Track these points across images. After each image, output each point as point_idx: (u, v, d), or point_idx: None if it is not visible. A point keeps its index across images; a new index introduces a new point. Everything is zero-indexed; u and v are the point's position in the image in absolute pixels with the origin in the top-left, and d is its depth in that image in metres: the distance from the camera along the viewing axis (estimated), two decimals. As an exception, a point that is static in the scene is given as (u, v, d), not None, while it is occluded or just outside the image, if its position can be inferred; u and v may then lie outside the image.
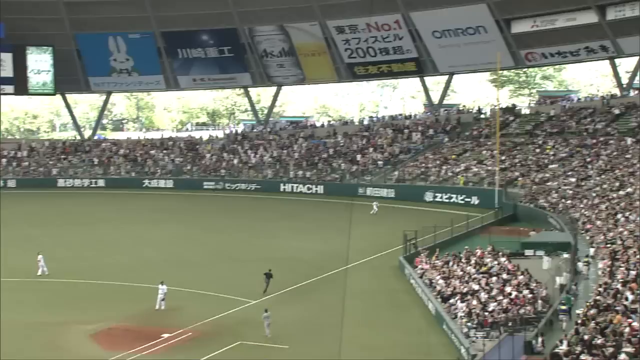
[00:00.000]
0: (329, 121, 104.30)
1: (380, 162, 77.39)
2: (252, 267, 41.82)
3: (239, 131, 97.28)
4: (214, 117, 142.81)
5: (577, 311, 26.23)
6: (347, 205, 62.33)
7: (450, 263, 37.75)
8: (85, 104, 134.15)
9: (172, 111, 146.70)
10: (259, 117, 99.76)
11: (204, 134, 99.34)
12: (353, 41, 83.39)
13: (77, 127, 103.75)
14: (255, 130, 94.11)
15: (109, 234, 54.28)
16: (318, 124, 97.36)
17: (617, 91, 78.95)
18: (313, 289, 38.15)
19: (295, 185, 77.38)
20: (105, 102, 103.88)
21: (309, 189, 76.44)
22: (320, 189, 75.83)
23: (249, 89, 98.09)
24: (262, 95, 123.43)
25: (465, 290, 32.48)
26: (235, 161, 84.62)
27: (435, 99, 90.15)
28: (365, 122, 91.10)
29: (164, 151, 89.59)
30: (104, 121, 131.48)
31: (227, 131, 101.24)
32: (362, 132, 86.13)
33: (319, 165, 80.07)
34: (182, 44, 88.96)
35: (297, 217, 62.12)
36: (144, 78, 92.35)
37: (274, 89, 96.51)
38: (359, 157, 79.62)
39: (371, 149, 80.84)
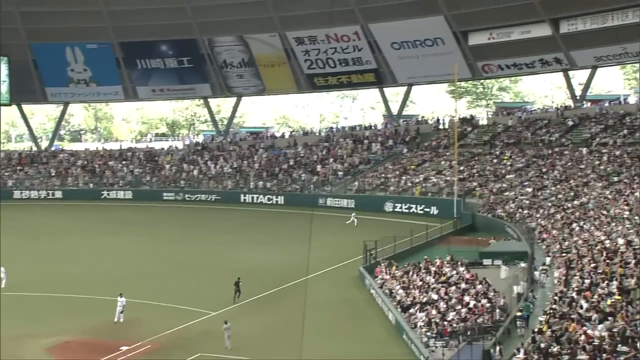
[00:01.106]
0: (290, 132, 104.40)
1: (340, 173, 77.65)
2: (213, 279, 41.66)
3: (199, 142, 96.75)
4: (173, 128, 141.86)
5: (540, 318, 26.58)
6: (308, 215, 62.33)
7: (410, 273, 38.00)
8: (42, 115, 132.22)
9: (131, 122, 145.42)
10: (218, 128, 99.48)
11: (164, 145, 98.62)
12: (313, 52, 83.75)
13: (34, 138, 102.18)
14: (215, 140, 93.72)
15: (67, 245, 53.45)
16: (278, 135, 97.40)
17: (571, 102, 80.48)
18: (274, 300, 38.07)
19: (255, 195, 77.20)
20: (63, 112, 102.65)
21: (269, 199, 76.33)
22: (281, 199, 75.77)
23: (208, 99, 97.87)
24: (222, 105, 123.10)
25: (424, 299, 32.72)
26: (195, 172, 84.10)
27: (395, 109, 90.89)
28: (325, 133, 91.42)
29: (123, 162, 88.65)
30: (62, 132, 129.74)
31: (187, 142, 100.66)
32: (322, 142, 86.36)
33: (279, 176, 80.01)
34: (141, 54, 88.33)
35: (257, 228, 61.90)
36: (102, 88, 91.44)
37: (233, 99, 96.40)
38: (319, 167, 79.80)
39: (331, 160, 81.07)
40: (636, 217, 37.82)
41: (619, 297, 24.23)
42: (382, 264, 40.79)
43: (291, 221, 64.20)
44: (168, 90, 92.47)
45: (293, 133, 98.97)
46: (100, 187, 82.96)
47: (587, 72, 77.78)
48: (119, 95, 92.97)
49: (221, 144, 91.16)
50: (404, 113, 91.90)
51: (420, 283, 35.59)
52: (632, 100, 76.98)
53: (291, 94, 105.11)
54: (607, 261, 30.31)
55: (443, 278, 35.80)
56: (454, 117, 76.71)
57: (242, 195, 77.71)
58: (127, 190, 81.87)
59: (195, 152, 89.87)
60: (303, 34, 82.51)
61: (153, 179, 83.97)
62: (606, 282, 26.87)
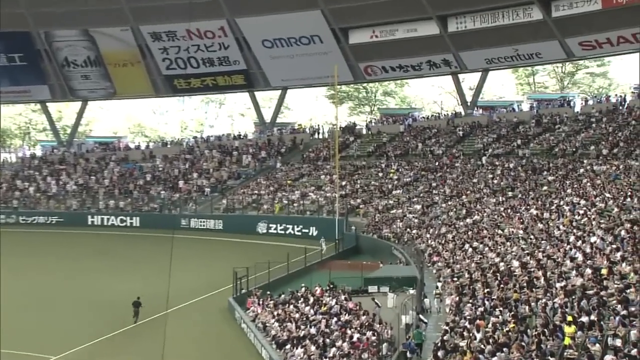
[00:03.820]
0: (146, 142, 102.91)
1: (206, 189, 77.36)
2: (56, 315, 40.55)
3: (36, 154, 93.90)
4: (3, 138, 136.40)
5: (430, 351, 27.28)
6: (168, 239, 61.59)
7: (286, 304, 38.32)
8: None
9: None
10: (60, 138, 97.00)
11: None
12: (172, 50, 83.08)
13: None
14: (56, 152, 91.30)
15: None
16: (132, 146, 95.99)
17: (461, 109, 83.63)
18: (131, 337, 37.52)
19: (105, 217, 76.04)
20: None
21: (122, 221, 75.26)
22: (136, 221, 74.93)
23: (47, 104, 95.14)
24: (64, 111, 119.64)
25: (302, 334, 33.05)
26: (32, 190, 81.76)
27: (268, 116, 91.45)
28: (188, 143, 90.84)
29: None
30: None
31: (21, 154, 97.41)
32: (184, 154, 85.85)
33: (134, 194, 78.91)
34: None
35: (109, 255, 60.82)
36: None
37: (78, 104, 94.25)
38: (181, 183, 79.23)
39: (195, 174, 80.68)
40: (531, 237, 39.69)
41: (514, 326, 25.35)
42: (255, 294, 40.93)
43: (149, 246, 63.46)
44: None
45: (150, 144, 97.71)
46: None
47: (478, 75, 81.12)
48: None
49: (63, 156, 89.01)
50: (278, 120, 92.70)
51: (298, 315, 35.93)
52: (525, 107, 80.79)
53: (147, 98, 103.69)
54: (502, 286, 31.68)
55: (323, 309, 36.28)
56: (334, 125, 78.06)
57: (89, 217, 76.50)
58: (-55, 213, 78.52)
59: (31, 166, 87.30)
60: (160, 29, 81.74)
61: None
62: (500, 309, 28.06)
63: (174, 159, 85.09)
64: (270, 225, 68.21)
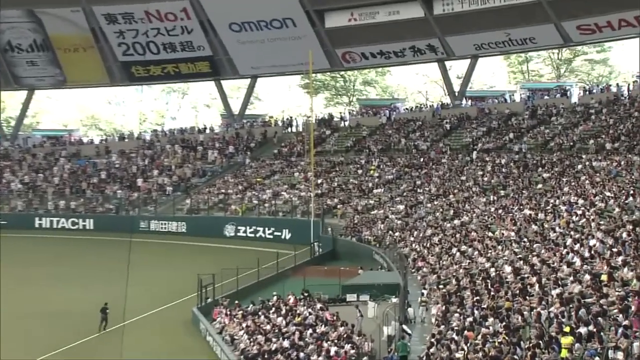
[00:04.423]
0: (101, 136, 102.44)
1: (168, 188, 77.16)
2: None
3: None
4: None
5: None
6: (126, 243, 61.47)
7: (256, 314, 38.30)
8: None
9: None
10: (3, 131, 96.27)
11: None
12: (129, 34, 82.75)
13: None
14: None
15: None
16: (85, 140, 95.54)
17: (448, 100, 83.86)
18: (85, 352, 37.22)
19: (55, 219, 75.89)
20: None
21: (74, 223, 75.11)
22: (90, 223, 74.90)
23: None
24: (8, 101, 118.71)
25: (274, 347, 33.05)
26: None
27: (236, 108, 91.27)
28: (148, 137, 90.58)
29: None
30: None
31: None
32: (143, 149, 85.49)
33: (88, 193, 78.56)
34: None
35: (60, 261, 60.50)
36: None
37: (24, 93, 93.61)
38: (139, 181, 78.99)
39: (155, 172, 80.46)
40: (525, 240, 39.88)
41: (506, 337, 25.48)
42: (221, 304, 40.90)
43: (104, 251, 63.29)
44: None
45: (105, 138, 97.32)
46: None
47: (467, 62, 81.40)
48: None
49: (7, 151, 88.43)
50: (247, 112, 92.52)
51: (269, 327, 35.94)
52: (518, 97, 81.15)
53: (101, 87, 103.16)
54: (492, 294, 31.82)
55: (297, 319, 36.32)
56: (309, 117, 78.09)
57: (36, 219, 76.29)
58: None
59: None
60: (115, 10, 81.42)
61: None
62: (491, 319, 28.20)
63: (131, 155, 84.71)
64: (239, 227, 68.20)
